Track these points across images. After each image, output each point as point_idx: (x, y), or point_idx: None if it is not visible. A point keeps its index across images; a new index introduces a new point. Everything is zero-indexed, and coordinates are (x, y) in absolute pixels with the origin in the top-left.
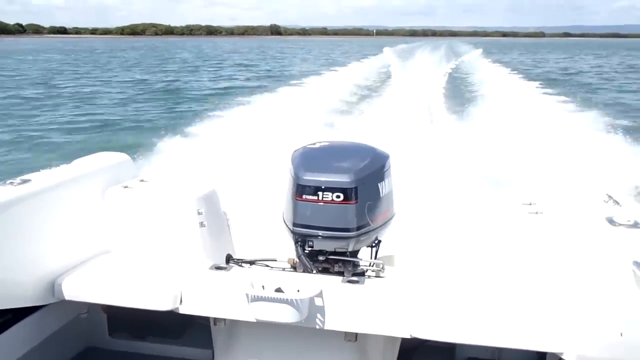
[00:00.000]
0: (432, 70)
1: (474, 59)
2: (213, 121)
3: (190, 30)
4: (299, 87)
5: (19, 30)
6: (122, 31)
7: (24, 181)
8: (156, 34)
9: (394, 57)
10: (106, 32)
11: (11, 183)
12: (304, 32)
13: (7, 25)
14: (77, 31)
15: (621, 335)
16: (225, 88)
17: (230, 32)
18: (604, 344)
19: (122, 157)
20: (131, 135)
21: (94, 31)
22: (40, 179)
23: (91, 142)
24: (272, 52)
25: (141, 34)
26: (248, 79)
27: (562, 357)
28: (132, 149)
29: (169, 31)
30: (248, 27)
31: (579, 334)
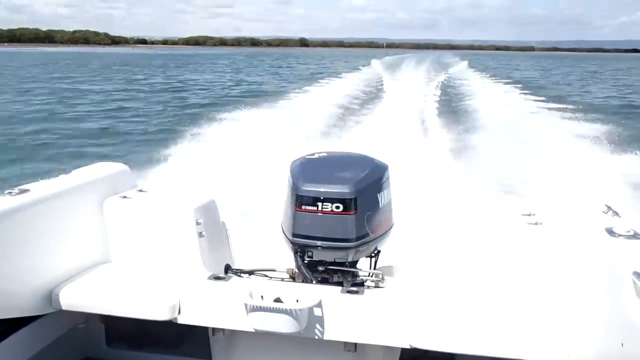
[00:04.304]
0: (421, 81)
1: (462, 70)
2: (212, 131)
3: (238, 42)
4: (300, 96)
5: (115, 41)
6: (187, 42)
7: (23, 191)
8: (214, 44)
9: (381, 68)
10: (174, 42)
11: (9, 193)
12: (325, 44)
13: (113, 37)
14: (152, 41)
15: (622, 346)
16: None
17: (269, 44)
18: (604, 355)
19: (121, 167)
20: (132, 145)
21: (164, 42)
22: (38, 189)
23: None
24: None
25: (202, 44)
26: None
27: None
28: (132, 159)
29: (223, 42)
30: (282, 39)
31: (579, 344)
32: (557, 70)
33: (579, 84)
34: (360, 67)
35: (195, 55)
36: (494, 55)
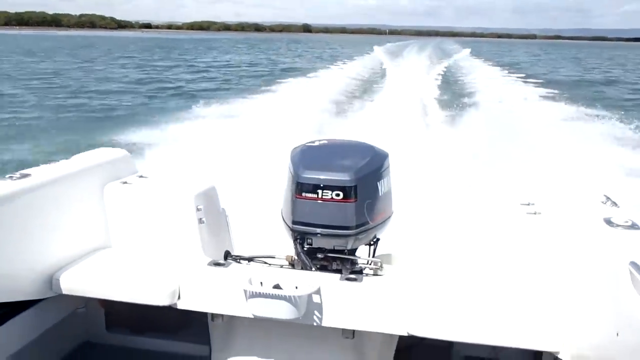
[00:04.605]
0: (423, 68)
1: (464, 58)
2: (213, 117)
3: (242, 27)
4: (300, 83)
5: (121, 25)
6: (191, 27)
7: (24, 175)
8: (218, 29)
9: (383, 55)
10: (178, 27)
11: (10, 177)
12: (327, 30)
13: (119, 21)
14: (157, 26)
15: (617, 335)
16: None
17: (272, 29)
18: (600, 344)
19: (122, 152)
20: (130, 130)
21: (169, 26)
22: (39, 173)
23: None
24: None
25: (207, 29)
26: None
27: (558, 356)
28: (132, 145)
29: (227, 27)
30: (284, 25)
31: (576, 333)
32: (545, 56)
33: (552, 66)
34: (368, 52)
35: (211, 39)
36: (495, 43)
